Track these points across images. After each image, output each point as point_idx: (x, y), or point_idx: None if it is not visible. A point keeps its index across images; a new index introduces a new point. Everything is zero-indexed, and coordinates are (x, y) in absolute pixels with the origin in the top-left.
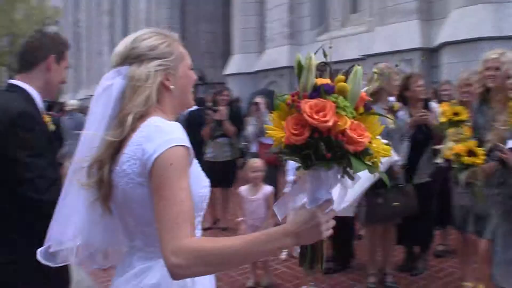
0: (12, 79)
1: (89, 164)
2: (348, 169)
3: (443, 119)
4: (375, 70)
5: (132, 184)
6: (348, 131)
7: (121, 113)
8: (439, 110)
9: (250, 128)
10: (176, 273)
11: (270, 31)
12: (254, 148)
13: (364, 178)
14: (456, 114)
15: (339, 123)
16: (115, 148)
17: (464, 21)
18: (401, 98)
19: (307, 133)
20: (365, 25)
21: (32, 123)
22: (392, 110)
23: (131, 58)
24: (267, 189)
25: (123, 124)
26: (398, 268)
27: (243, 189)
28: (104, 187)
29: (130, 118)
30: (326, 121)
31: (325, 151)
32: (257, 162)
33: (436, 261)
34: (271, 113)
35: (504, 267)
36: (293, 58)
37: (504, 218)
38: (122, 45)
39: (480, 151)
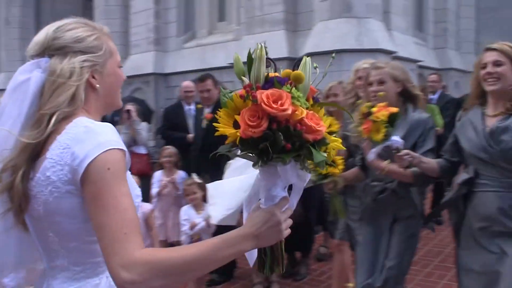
0: None
1: (3, 168)
2: (304, 161)
3: None
4: None
5: (57, 194)
6: (306, 120)
7: (39, 112)
8: None
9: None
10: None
11: (135, 36)
12: None
13: (247, 184)
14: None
15: (296, 112)
16: (32, 152)
17: (328, 33)
18: None
19: (265, 124)
20: (233, 33)
21: None
22: None
23: (52, 49)
24: (146, 206)
25: (41, 125)
26: (282, 275)
27: None
28: (17, 196)
29: (52, 119)
30: (284, 110)
31: (284, 142)
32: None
33: (317, 264)
34: (143, 121)
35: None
36: (159, 64)
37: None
38: (42, 34)
39: (339, 160)
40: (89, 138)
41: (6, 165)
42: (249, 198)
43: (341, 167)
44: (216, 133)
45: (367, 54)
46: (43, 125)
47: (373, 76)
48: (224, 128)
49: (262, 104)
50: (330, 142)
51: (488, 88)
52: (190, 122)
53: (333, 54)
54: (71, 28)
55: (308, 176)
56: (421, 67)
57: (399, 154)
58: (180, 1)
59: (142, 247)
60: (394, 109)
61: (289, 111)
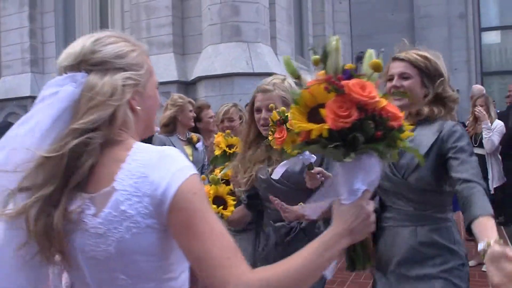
0: None
1: (17, 188)
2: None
3: (217, 151)
4: (167, 101)
5: (136, 229)
6: (388, 108)
7: (70, 127)
8: (214, 141)
9: None
10: None
11: (7, 56)
12: None
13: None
14: (230, 146)
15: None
16: (56, 172)
17: (218, 57)
18: (194, 130)
19: (356, 113)
20: None
21: None
22: (191, 142)
23: (90, 63)
24: None
25: (66, 139)
26: None
27: None
28: (52, 236)
29: (95, 143)
30: (373, 97)
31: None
32: None
33: None
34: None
35: None
36: (36, 88)
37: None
38: (78, 45)
39: (231, 200)
40: (167, 165)
41: (21, 184)
42: (316, 199)
43: (231, 208)
44: (297, 129)
45: (258, 77)
46: (68, 139)
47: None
48: (303, 124)
49: (352, 93)
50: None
51: (394, 103)
52: None
53: (382, 49)
54: (111, 41)
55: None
56: None
57: (311, 171)
58: (58, 19)
59: (248, 269)
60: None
61: (378, 99)
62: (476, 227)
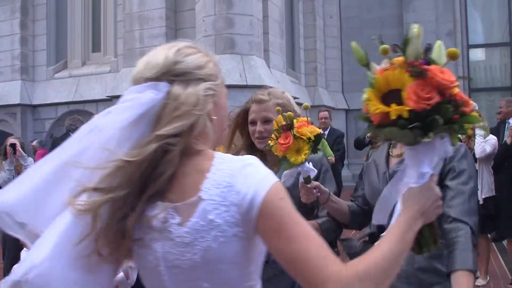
0: None
1: (94, 187)
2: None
3: None
4: None
5: (223, 238)
6: (459, 93)
7: (153, 133)
8: None
9: (2, 175)
10: None
11: None
12: None
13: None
14: None
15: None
16: (134, 179)
17: None
18: None
19: (437, 96)
20: (109, 65)
21: None
22: None
23: (173, 74)
24: None
25: (147, 145)
26: None
27: None
28: (121, 239)
29: (175, 151)
30: (453, 81)
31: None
32: None
33: None
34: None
35: None
36: (26, 94)
37: None
38: (160, 56)
39: None
40: (251, 174)
41: (97, 184)
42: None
43: None
44: (376, 111)
45: (251, 89)
46: (150, 145)
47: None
48: (381, 106)
49: (435, 76)
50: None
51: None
52: None
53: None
54: (191, 52)
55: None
56: (297, 103)
57: (307, 185)
58: (50, 27)
59: (343, 265)
60: (317, 129)
61: (457, 83)
62: (453, 280)
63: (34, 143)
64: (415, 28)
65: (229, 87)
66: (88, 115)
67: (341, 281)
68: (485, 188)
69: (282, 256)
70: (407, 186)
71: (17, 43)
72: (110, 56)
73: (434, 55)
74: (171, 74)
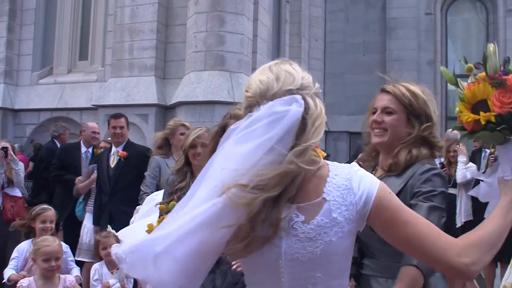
0: None
1: (255, 185)
2: None
3: None
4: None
5: (341, 234)
6: None
7: (303, 144)
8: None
9: None
10: (473, 271)
11: None
12: None
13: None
14: None
15: None
16: (287, 182)
17: (201, 83)
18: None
19: None
20: (96, 74)
21: None
22: None
23: (301, 87)
24: (69, 278)
25: (305, 157)
26: None
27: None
28: (263, 232)
29: (307, 155)
30: None
31: None
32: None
33: None
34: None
35: None
36: (8, 98)
37: None
38: (293, 71)
39: None
40: (362, 177)
41: (258, 182)
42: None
43: None
44: (468, 120)
45: None
46: (306, 157)
47: None
48: (472, 115)
49: None
50: None
51: (373, 140)
52: (83, 165)
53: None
54: (300, 69)
55: None
56: None
57: None
58: (38, 32)
59: (453, 237)
60: None
61: None
62: (399, 273)
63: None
64: (491, 47)
65: (217, 103)
66: (72, 123)
67: (458, 249)
68: (464, 212)
69: (399, 239)
70: (500, 177)
71: (2, 47)
72: (97, 65)
73: (494, 61)
74: (300, 88)
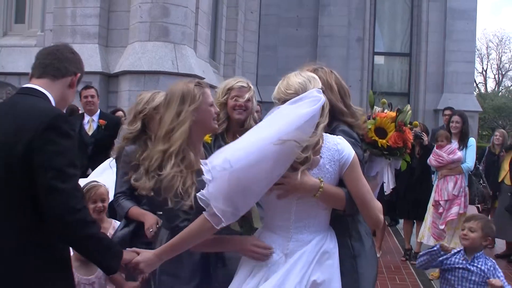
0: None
1: (306, 144)
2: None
3: None
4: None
5: (329, 178)
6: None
7: (321, 122)
8: None
9: None
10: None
11: None
12: None
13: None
14: None
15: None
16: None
17: (146, 54)
18: None
19: (402, 143)
20: (35, 38)
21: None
22: None
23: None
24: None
25: (323, 130)
26: None
27: None
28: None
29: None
30: (411, 139)
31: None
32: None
33: None
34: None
35: None
36: None
37: None
38: (317, 77)
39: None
40: (344, 144)
41: (309, 142)
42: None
43: None
44: (371, 137)
45: (182, 78)
46: (320, 131)
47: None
48: (373, 135)
49: (406, 134)
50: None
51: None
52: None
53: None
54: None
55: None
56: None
57: None
58: None
59: None
60: None
61: (411, 141)
62: None
63: None
64: (409, 110)
65: (161, 73)
66: (10, 88)
67: (379, 207)
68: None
69: (356, 194)
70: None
71: None
72: (36, 30)
73: (406, 117)
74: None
